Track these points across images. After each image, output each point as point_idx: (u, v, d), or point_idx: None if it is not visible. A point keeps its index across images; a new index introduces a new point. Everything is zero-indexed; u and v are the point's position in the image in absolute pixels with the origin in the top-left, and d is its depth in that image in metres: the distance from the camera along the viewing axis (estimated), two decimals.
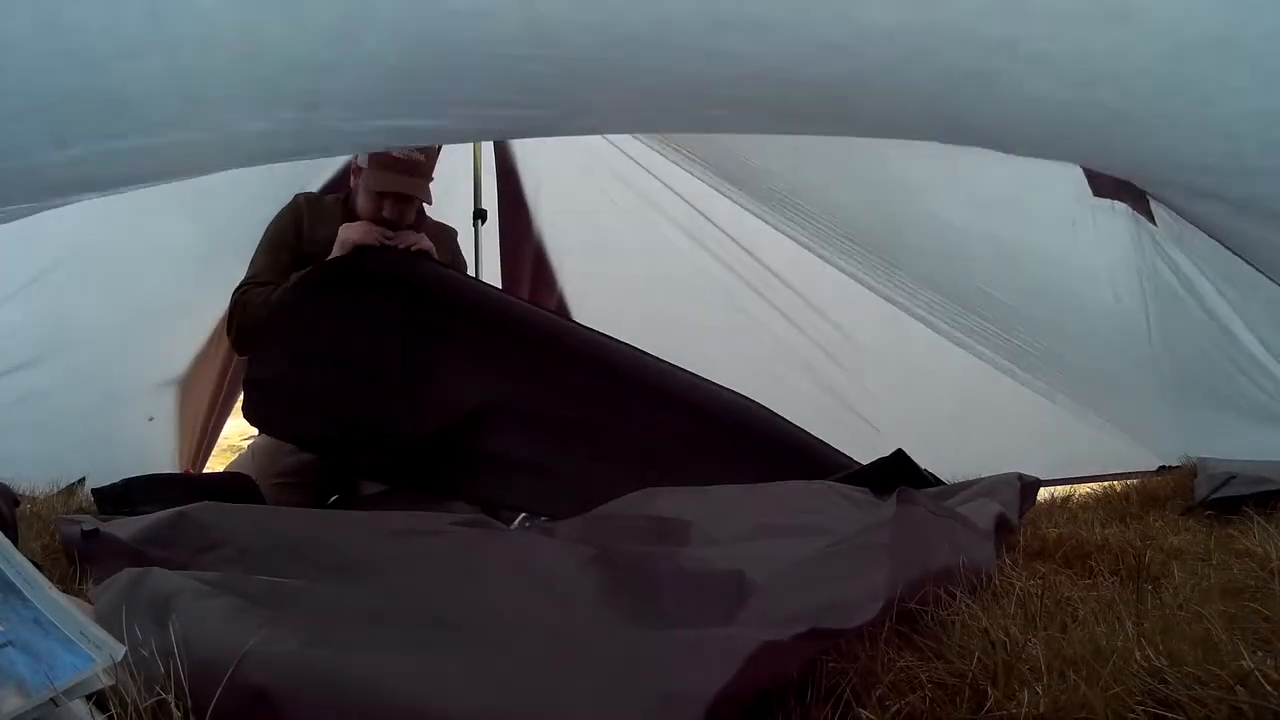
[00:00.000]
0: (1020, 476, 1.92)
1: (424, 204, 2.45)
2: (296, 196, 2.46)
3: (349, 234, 2.22)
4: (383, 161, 2.26)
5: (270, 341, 2.21)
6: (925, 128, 1.65)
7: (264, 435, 2.46)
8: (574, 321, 2.59)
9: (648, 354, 2.24)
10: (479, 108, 1.48)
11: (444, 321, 2.20)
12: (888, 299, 2.98)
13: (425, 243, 2.26)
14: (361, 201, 2.31)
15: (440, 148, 2.43)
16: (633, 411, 2.14)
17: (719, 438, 2.12)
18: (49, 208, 1.71)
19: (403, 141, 1.87)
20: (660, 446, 2.09)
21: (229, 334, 2.38)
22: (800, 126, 1.78)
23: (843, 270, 3.01)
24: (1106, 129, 1.47)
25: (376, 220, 2.27)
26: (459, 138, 1.78)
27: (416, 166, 2.27)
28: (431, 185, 2.43)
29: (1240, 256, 1.92)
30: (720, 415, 2.15)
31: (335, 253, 2.21)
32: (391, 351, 2.14)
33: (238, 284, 2.32)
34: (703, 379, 2.21)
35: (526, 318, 2.32)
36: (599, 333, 2.31)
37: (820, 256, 3.02)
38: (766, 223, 3.09)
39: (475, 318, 2.22)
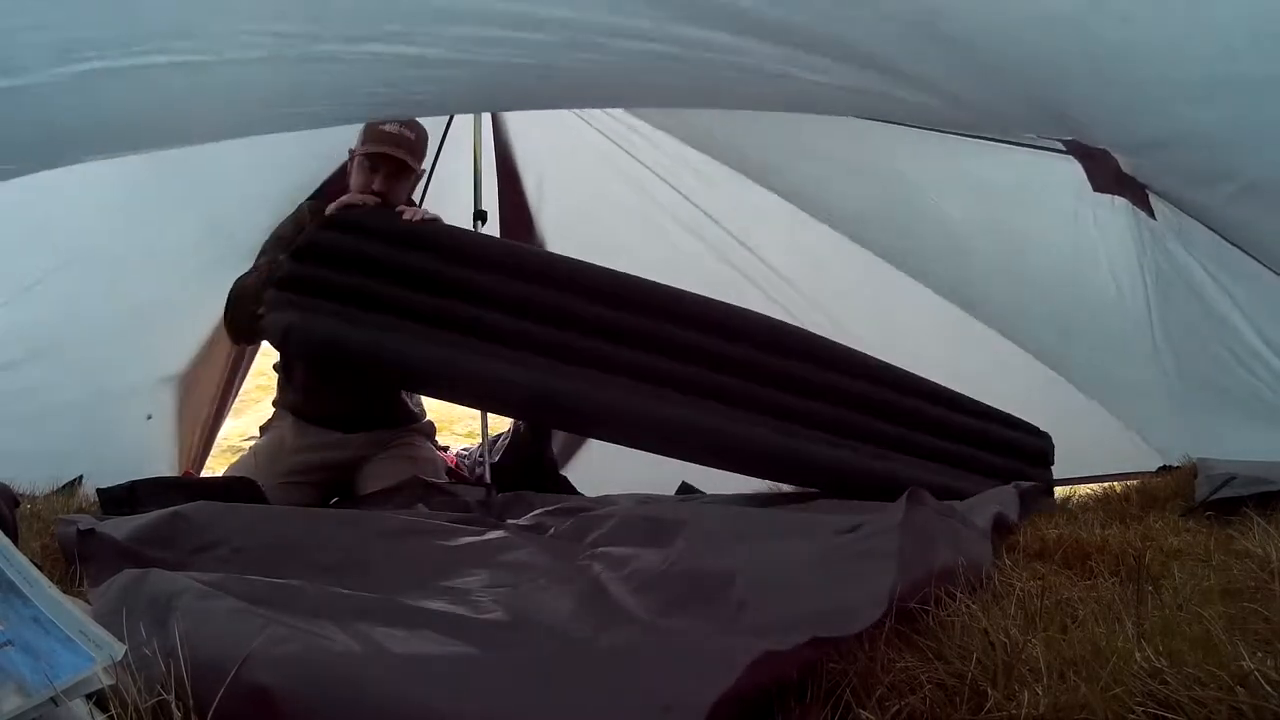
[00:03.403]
0: (1017, 485, 1.93)
1: (412, 194, 2.53)
2: (302, 204, 2.55)
3: (339, 200, 2.33)
4: (373, 135, 2.38)
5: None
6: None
7: (264, 434, 2.52)
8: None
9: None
10: (476, 26, 1.48)
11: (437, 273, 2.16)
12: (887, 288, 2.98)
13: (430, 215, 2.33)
14: (354, 178, 2.43)
15: (427, 135, 2.51)
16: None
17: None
18: (55, 165, 1.69)
19: (400, 77, 1.75)
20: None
21: (226, 326, 2.39)
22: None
23: (846, 267, 3.00)
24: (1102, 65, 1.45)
25: (367, 193, 2.35)
26: (453, 82, 1.71)
27: (406, 141, 2.40)
28: (427, 185, 2.47)
29: (1238, 247, 1.92)
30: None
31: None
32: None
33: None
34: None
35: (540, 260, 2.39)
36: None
37: (823, 252, 3.02)
38: (766, 218, 3.08)
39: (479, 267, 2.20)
